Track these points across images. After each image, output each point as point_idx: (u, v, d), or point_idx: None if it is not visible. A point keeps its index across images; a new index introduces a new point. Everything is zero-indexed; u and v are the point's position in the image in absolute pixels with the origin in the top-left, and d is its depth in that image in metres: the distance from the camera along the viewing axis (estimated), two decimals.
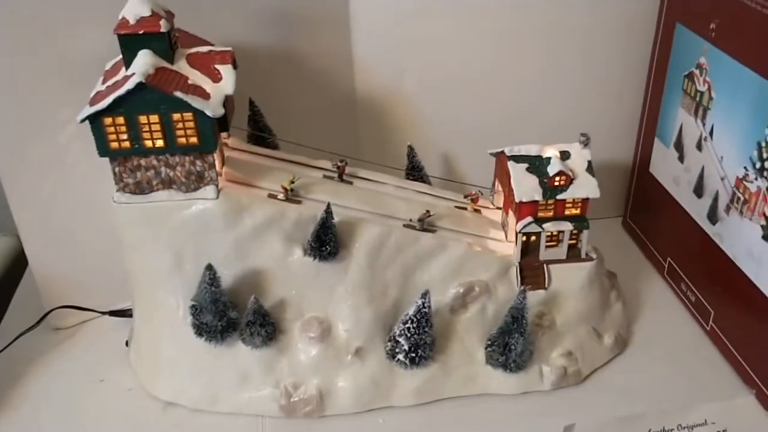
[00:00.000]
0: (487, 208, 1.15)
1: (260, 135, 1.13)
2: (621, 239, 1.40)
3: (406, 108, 1.28)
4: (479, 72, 1.26)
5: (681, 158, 1.19)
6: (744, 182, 1.03)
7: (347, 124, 1.27)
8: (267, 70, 1.19)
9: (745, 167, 1.03)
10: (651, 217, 1.33)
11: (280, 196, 1.01)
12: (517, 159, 1.06)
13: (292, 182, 1.01)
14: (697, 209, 1.16)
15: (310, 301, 1.03)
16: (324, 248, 0.99)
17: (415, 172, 1.18)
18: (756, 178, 1.00)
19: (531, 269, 1.07)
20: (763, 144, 0.98)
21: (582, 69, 1.28)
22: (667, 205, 1.24)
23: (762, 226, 1.01)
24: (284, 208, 1.01)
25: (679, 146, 1.20)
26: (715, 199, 1.10)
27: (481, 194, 1.12)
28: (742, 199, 1.04)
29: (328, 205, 0.99)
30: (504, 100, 1.29)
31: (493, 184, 1.17)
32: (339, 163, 1.09)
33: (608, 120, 1.33)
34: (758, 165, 1.00)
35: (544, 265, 1.07)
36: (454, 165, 1.33)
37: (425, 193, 1.13)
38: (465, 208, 1.12)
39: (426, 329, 1.02)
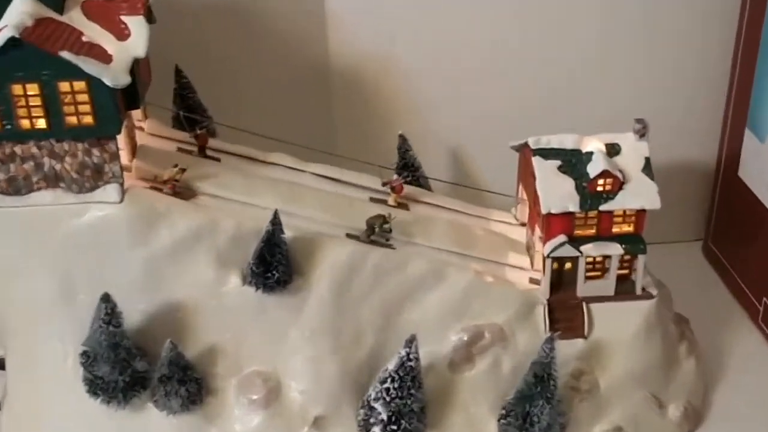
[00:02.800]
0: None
1: (190, 117, 1.13)
2: (700, 271, 1.41)
3: (398, 85, 1.29)
4: (499, 38, 1.27)
5: None
6: None
7: (316, 106, 1.29)
8: (202, 28, 1.20)
9: None
10: (741, 240, 1.32)
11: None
12: (546, 154, 1.06)
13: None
14: None
15: (251, 350, 1.04)
16: (270, 274, 0.99)
17: (408, 171, 1.19)
18: None
19: (565, 310, 1.07)
20: None
21: (642, 37, 1.29)
22: (763, 223, 1.24)
23: None
24: (217, 218, 1.01)
25: None
26: None
27: (405, 180, 1.13)
28: None
29: (275, 213, 0.99)
30: (534, 76, 1.30)
31: (517, 191, 1.17)
32: (198, 131, 1.10)
33: (679, 106, 1.34)
34: None
35: (584, 305, 1.07)
36: (464, 163, 1.34)
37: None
38: (384, 201, 1.12)
39: (413, 392, 1.01)
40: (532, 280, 1.10)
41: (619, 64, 1.30)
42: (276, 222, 0.98)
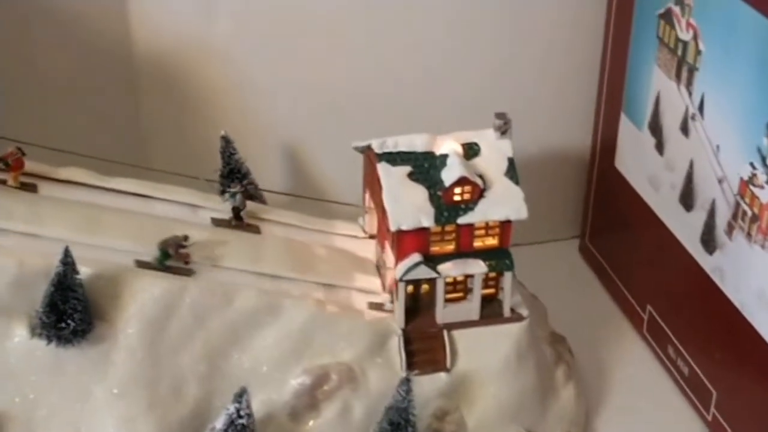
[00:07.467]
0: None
1: None
2: (577, 275, 1.43)
3: (220, 73, 1.28)
4: (343, 14, 1.26)
5: (660, 147, 1.21)
6: (751, 187, 1.04)
7: (118, 105, 1.27)
8: None
9: (751, 163, 1.04)
10: (620, 239, 1.35)
11: None
12: (394, 159, 1.05)
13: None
14: (686, 230, 1.18)
15: (49, 415, 1.02)
16: (65, 324, 0.98)
17: (235, 179, 1.17)
18: None
19: (423, 339, 1.08)
20: None
21: (506, 16, 1.30)
22: (643, 221, 1.26)
23: None
24: None
25: (656, 128, 1.22)
26: (712, 214, 1.12)
27: (23, 153, 1.07)
28: (749, 213, 1.05)
29: (66, 249, 0.96)
30: (385, 60, 1.30)
31: (364, 199, 1.17)
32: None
33: (548, 91, 1.35)
34: None
35: (444, 332, 1.07)
36: (303, 166, 1.34)
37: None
38: (4, 182, 1.07)
39: None
40: (385, 307, 1.09)
41: (480, 48, 1.32)
42: (68, 261, 0.96)
